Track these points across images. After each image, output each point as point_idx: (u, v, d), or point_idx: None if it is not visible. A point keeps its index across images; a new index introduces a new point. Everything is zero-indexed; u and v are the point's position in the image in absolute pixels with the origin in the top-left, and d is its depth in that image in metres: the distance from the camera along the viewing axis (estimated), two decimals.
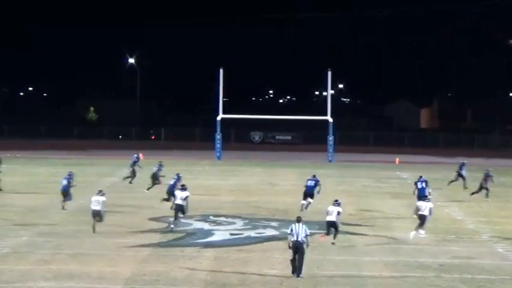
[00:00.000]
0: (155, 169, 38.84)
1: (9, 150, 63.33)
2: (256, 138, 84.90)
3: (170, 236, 26.60)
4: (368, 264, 22.68)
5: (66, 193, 32.30)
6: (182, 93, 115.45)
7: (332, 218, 25.23)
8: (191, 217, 30.52)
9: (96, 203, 27.58)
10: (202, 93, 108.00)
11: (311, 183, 32.88)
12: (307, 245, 21.31)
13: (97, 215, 27.37)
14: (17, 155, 60.79)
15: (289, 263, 21.31)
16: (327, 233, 25.39)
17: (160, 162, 39.95)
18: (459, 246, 25.82)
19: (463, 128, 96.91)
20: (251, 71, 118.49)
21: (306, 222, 29.57)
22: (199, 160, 59.75)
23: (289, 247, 21.08)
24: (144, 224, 28.87)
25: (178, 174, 33.06)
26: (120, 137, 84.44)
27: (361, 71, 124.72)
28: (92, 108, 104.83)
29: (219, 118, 62.16)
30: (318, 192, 32.79)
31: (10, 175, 45.89)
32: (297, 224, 21.23)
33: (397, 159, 61.11)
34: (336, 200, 25.78)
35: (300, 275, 20.81)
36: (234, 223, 29.55)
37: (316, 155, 64.78)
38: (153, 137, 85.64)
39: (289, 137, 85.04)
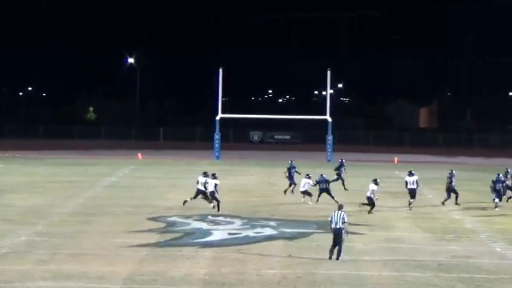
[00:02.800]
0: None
1: (8, 150, 63.38)
2: (255, 137, 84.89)
3: (169, 236, 26.60)
4: (366, 264, 22.68)
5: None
6: (182, 92, 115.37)
7: None
8: (189, 217, 30.57)
9: (306, 185, 34.44)
10: (201, 93, 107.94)
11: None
12: (347, 232, 23.16)
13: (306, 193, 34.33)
14: (16, 155, 60.82)
15: (287, 262, 21.91)
16: None
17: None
18: (457, 246, 25.82)
19: (463, 128, 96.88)
20: (250, 71, 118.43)
21: (304, 222, 29.84)
22: (198, 160, 59.77)
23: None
24: (142, 224, 28.86)
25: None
26: None
27: (361, 70, 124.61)
28: (91, 108, 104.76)
29: (218, 118, 62.15)
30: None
31: (9, 175, 45.96)
32: (337, 211, 22.74)
33: (396, 159, 61.11)
34: None
35: (339, 258, 22.53)
36: (232, 223, 29.52)
37: (315, 155, 64.76)
38: None
39: (288, 137, 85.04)
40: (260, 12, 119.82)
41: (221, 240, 26.12)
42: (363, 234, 27.51)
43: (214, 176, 32.37)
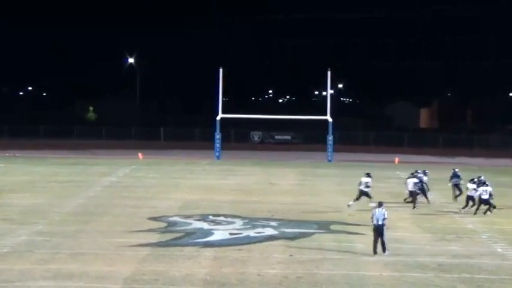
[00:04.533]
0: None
1: (8, 150, 63.36)
2: (256, 138, 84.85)
3: (170, 236, 26.59)
4: (367, 264, 22.68)
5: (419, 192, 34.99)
6: (182, 93, 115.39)
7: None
8: (190, 217, 30.56)
9: (412, 184, 34.22)
10: (202, 93, 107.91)
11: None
12: (387, 227, 24.39)
13: (412, 194, 34.28)
14: (17, 155, 60.80)
15: (287, 262, 22.03)
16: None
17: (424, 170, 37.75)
18: (458, 246, 25.82)
19: (463, 128, 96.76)
20: (251, 71, 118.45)
21: (304, 222, 29.84)
22: (198, 160, 59.79)
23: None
24: (143, 224, 28.85)
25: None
26: None
27: (361, 71, 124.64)
28: (91, 108, 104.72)
29: (218, 118, 62.13)
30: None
31: (9, 175, 45.96)
32: (377, 209, 23.99)
33: (396, 159, 61.09)
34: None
35: (386, 251, 23.67)
36: (233, 223, 29.52)
37: (315, 155, 64.77)
38: None
39: (288, 137, 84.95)
40: (261, 12, 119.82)
41: (222, 240, 26.11)
42: (364, 234, 27.45)
43: (368, 175, 34.03)
